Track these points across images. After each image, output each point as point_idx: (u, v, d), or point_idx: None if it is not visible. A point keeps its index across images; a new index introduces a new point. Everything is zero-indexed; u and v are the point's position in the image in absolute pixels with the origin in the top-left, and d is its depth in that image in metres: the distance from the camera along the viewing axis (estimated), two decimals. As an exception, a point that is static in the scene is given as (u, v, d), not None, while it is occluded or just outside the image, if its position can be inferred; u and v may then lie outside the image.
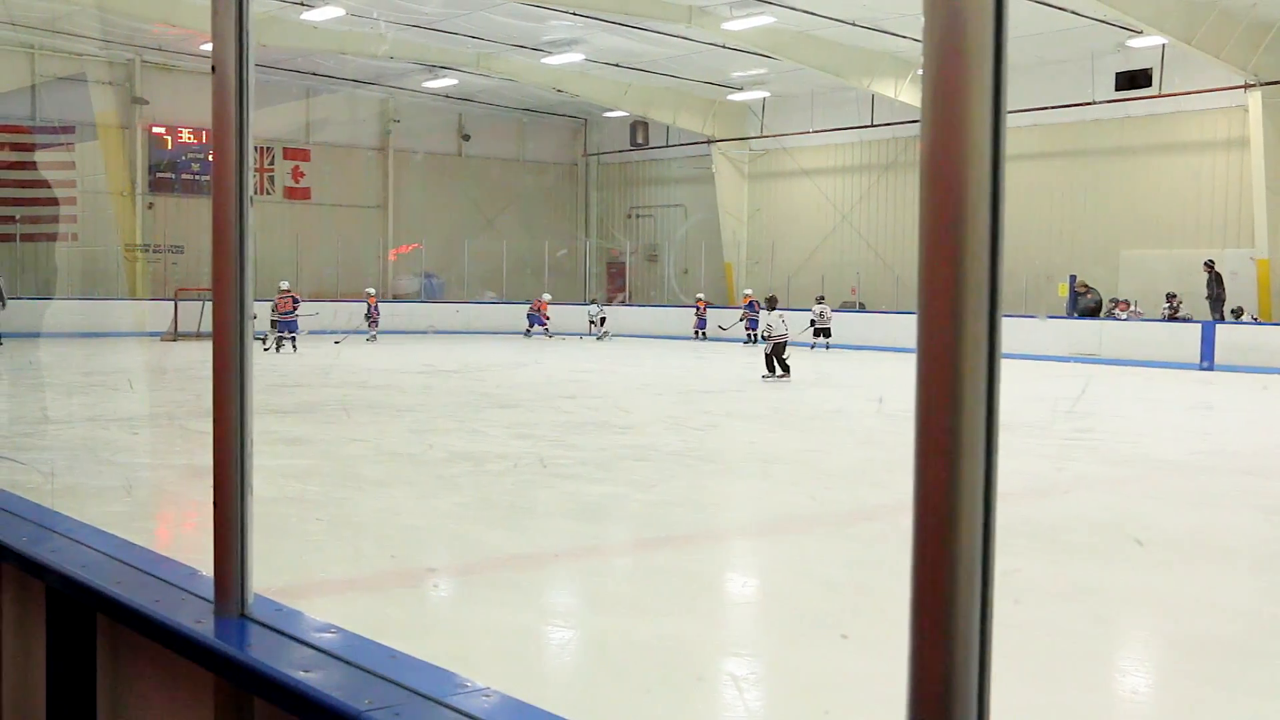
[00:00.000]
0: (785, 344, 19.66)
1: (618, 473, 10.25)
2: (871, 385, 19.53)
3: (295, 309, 26.47)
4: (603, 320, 33.31)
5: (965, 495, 1.25)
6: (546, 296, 34.01)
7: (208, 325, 2.74)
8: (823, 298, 29.68)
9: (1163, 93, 27.50)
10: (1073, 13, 24.28)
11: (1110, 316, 27.55)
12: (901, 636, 1.27)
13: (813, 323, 27.43)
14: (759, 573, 7.35)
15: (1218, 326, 25.05)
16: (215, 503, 2.47)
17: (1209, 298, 26.41)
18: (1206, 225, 27.72)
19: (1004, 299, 1.27)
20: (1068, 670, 5.11)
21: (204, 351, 2.67)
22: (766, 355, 19.81)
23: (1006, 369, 1.28)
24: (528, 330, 32.98)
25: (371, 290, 31.59)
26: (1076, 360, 25.30)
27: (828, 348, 27.35)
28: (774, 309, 20.30)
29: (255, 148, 2.46)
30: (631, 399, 17.24)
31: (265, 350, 25.32)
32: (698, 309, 33.32)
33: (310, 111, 37.06)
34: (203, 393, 2.62)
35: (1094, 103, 28.71)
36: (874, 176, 34.47)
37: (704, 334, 32.94)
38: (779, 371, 19.55)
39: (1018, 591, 5.97)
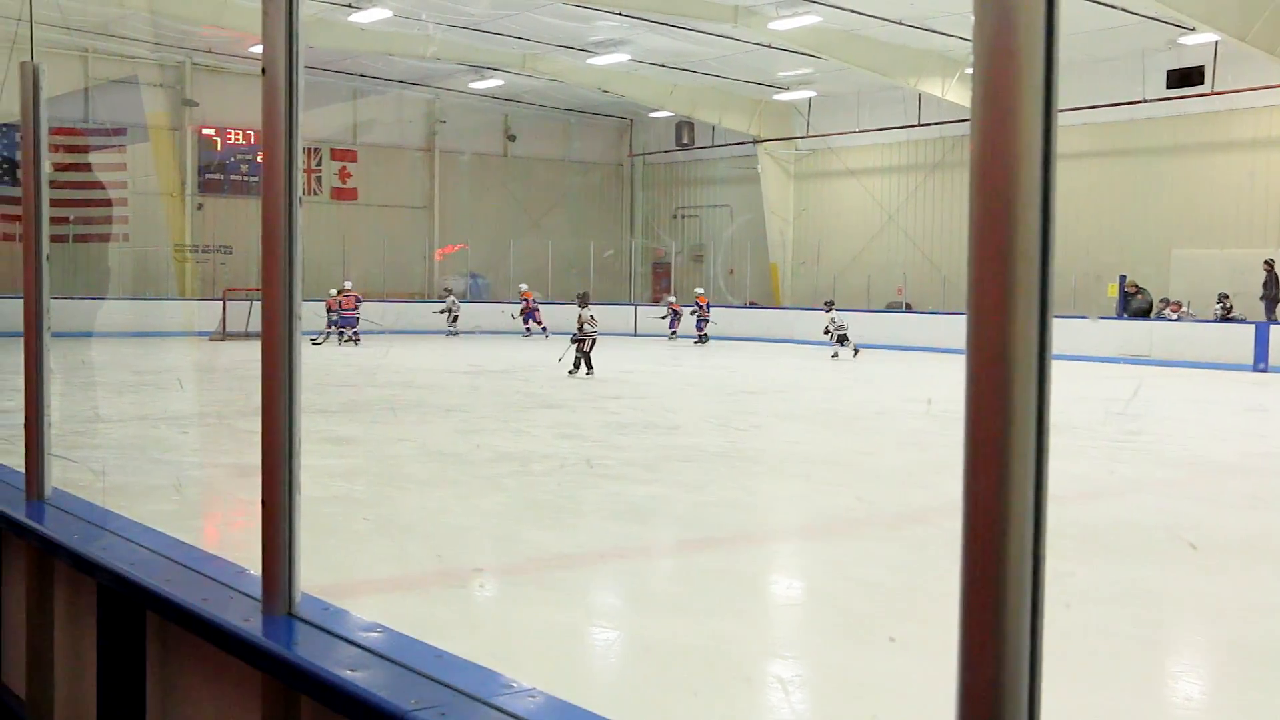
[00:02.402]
0: (594, 341, 19.39)
1: (663, 473, 10.24)
2: (918, 386, 19.41)
3: (357, 307, 29.12)
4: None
5: (1015, 497, 1.24)
6: (524, 286, 33.96)
7: (256, 325, 2.76)
8: (831, 303, 28.53)
9: (1215, 90, 27.16)
10: (1124, 10, 24.03)
11: (1161, 317, 27.24)
12: (950, 640, 1.26)
13: (827, 330, 26.66)
14: (805, 574, 7.32)
15: (1272, 327, 24.71)
16: (263, 502, 2.49)
17: (1264, 298, 26.04)
18: (1260, 224, 27.35)
19: (1054, 299, 1.26)
20: (1120, 675, 5.05)
21: (252, 351, 2.69)
22: (576, 353, 19.51)
23: (1056, 370, 1.27)
24: (526, 330, 32.57)
25: (349, 284, 30.61)
26: (1127, 362, 25.04)
27: (856, 352, 26.10)
28: (586, 305, 19.97)
29: (303, 149, 2.48)
30: (677, 399, 17.22)
31: (315, 345, 26.39)
32: (699, 305, 32.55)
33: (357, 113, 37.31)
34: (251, 392, 2.64)
35: (1145, 101, 28.41)
36: (921, 176, 34.27)
37: (704, 336, 32.54)
38: (584, 369, 19.31)
39: (1069, 595, 5.91)
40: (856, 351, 26.06)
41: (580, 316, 19.70)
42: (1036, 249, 1.23)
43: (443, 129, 38.89)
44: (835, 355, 26.20)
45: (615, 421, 13.97)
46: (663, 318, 32.45)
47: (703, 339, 31.56)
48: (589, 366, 19.27)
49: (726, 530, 8.22)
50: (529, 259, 38.17)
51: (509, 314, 32.71)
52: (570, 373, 19.29)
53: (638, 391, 18.16)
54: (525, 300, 33.11)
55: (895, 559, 7.32)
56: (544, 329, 32.25)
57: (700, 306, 32.14)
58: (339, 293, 29.40)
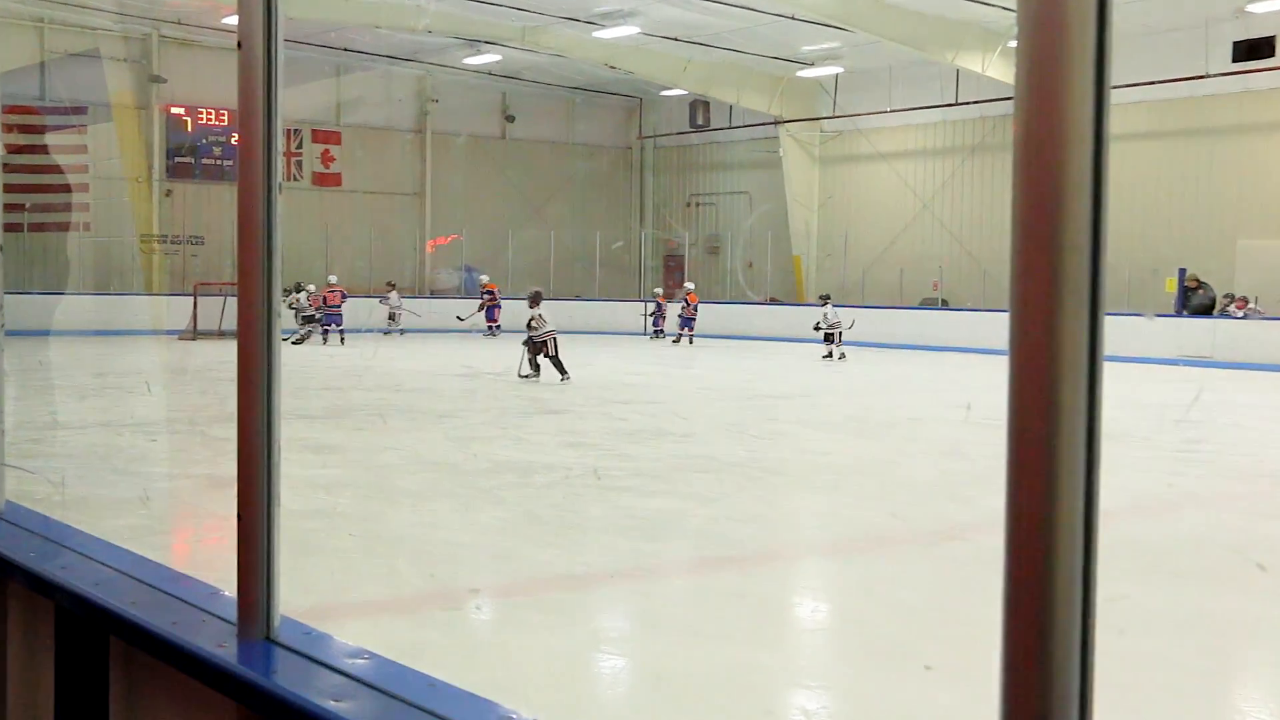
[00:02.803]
0: (545, 342, 19.32)
1: (677, 485, 10.24)
2: (955, 390, 19.40)
3: (343, 303, 29.46)
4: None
5: (1063, 513, 1.24)
6: (484, 278, 33.95)
7: (230, 323, 2.76)
8: (827, 297, 28.54)
9: (1286, 64, 27.11)
10: (1184, -24, 24.04)
11: (1225, 314, 27.18)
12: (991, 668, 1.26)
13: (818, 326, 26.57)
14: (832, 596, 7.32)
15: (1349, 325, 24.67)
16: (239, 516, 2.50)
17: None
18: (1336, 212, 27.32)
19: (1105, 295, 1.26)
20: (1178, 708, 5.04)
21: (226, 351, 2.70)
22: (528, 355, 19.49)
23: (1108, 373, 1.27)
24: (489, 327, 32.46)
25: (333, 279, 30.61)
26: (1187, 363, 24.98)
27: (843, 356, 26.06)
28: (537, 305, 19.86)
29: (283, 130, 2.49)
30: (690, 404, 17.23)
31: (294, 344, 26.51)
32: (686, 303, 32.42)
33: (341, 91, 37.39)
34: (225, 396, 2.65)
35: (1209, 76, 28.34)
36: (959, 160, 34.24)
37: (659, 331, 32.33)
38: (529, 371, 19.23)
39: (1123, 621, 5.90)
40: (843, 355, 25.89)
41: (534, 317, 19.56)
42: (1087, 240, 1.23)
43: (435, 109, 38.96)
44: (828, 355, 26.03)
45: (624, 429, 13.98)
46: (648, 314, 32.42)
47: (679, 340, 31.42)
48: (561, 370, 19.02)
49: (746, 548, 8.22)
50: (529, 251, 38.20)
51: (457, 316, 32.27)
52: (522, 376, 19.09)
53: (648, 396, 18.17)
54: (491, 293, 33.05)
55: (931, 579, 7.31)
56: (495, 327, 32.15)
57: (688, 304, 31.99)
58: (325, 288, 29.63)
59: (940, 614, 6.49)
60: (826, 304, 27.24)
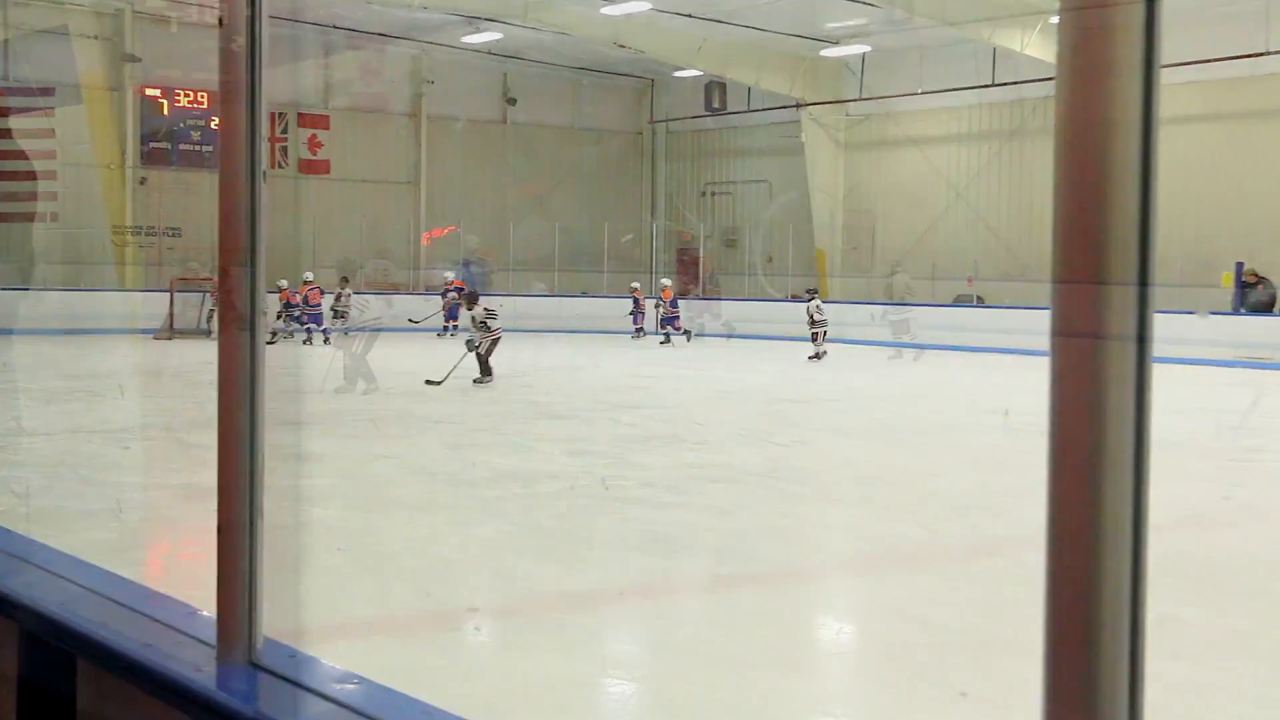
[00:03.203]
0: (493, 342, 19.28)
1: (691, 496, 10.24)
2: (992, 394, 19.36)
3: (321, 301, 29.54)
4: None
5: (1109, 527, 1.23)
6: (450, 274, 33.84)
7: (210, 320, 2.76)
8: (814, 291, 28.43)
9: (1354, 40, 27.06)
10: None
11: (1286, 312, 27.13)
12: (1032, 695, 1.26)
13: (813, 321, 26.41)
14: (860, 617, 7.31)
15: None
16: (219, 529, 2.50)
17: None
18: None
19: (1154, 292, 1.26)
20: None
21: (205, 351, 2.70)
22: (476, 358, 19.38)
23: (1157, 375, 1.27)
24: (447, 325, 32.13)
25: (310, 276, 30.48)
26: (1244, 365, 24.91)
27: (820, 355, 25.95)
28: (474, 306, 19.78)
29: (267, 113, 2.49)
30: (706, 409, 17.23)
31: (269, 344, 26.37)
32: (661, 300, 32.27)
33: (330, 71, 37.41)
34: (204, 400, 2.65)
35: (1269, 53, 28.25)
36: (995, 146, 34.17)
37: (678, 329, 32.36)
38: (484, 375, 19.18)
39: (1175, 645, 5.89)
40: (820, 355, 25.72)
41: (477, 317, 19.54)
42: (1134, 231, 1.23)
43: (431, 91, 38.96)
44: (817, 356, 25.78)
45: (634, 435, 13.98)
46: (630, 313, 32.37)
47: (668, 339, 31.36)
48: (485, 371, 18.98)
49: (766, 564, 8.21)
50: (532, 244, 38.18)
51: (409, 319, 31.96)
52: (476, 381, 19.01)
53: (659, 400, 18.17)
54: (458, 289, 32.95)
55: (967, 599, 7.30)
56: (455, 327, 32.02)
57: (664, 302, 31.88)
58: (304, 285, 29.45)
59: (977, 636, 6.48)
60: (813, 299, 27.07)
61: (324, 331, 29.17)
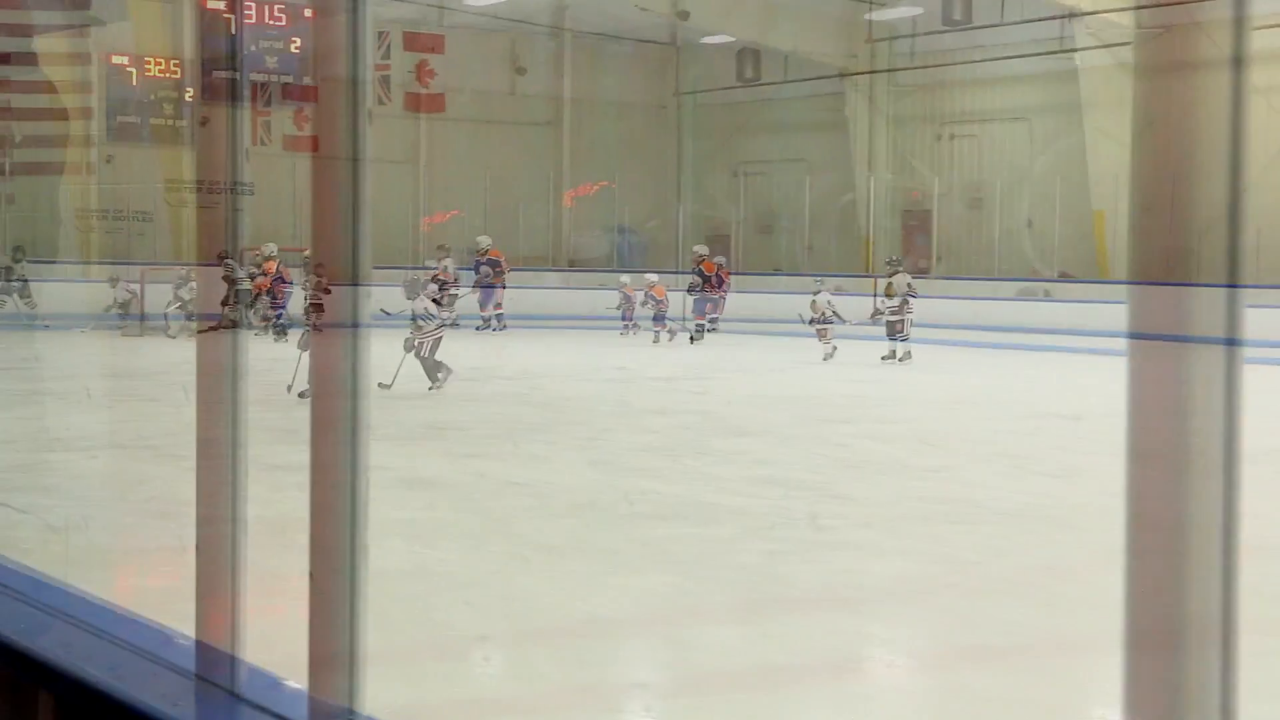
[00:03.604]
0: (435, 343, 18.79)
1: (919, 540, 9.51)
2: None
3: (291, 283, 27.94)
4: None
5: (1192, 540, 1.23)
6: (446, 263, 33.66)
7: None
8: (822, 281, 28.24)
9: None
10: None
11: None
12: None
13: (813, 320, 26.03)
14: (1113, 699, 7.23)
15: None
16: (198, 546, 2.51)
17: None
18: None
19: (1246, 277, 1.25)
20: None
21: (179, 349, 2.71)
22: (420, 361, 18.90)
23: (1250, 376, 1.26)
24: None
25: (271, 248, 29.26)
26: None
27: (829, 354, 25.25)
28: (417, 293, 19.28)
29: (251, 84, 2.50)
30: (939, 424, 16.70)
31: (211, 329, 25.78)
32: (653, 298, 32.15)
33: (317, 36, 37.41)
34: (179, 403, 2.66)
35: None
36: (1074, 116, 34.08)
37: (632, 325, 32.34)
38: (441, 375, 18.75)
39: (1273, 682, 5.82)
40: (830, 354, 25.23)
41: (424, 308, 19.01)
42: (1223, 211, 1.23)
43: (432, 59, 38.97)
44: (826, 357, 25.23)
45: (842, 457, 13.95)
46: (615, 307, 32.33)
47: (658, 339, 31.32)
48: (434, 374, 18.46)
49: (1013, 635, 7.26)
50: (544, 230, 38.18)
51: (383, 309, 31.38)
52: (430, 387, 18.51)
53: (874, 412, 18.09)
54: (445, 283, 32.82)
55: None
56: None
57: (655, 300, 31.79)
58: (267, 260, 27.73)
59: None
60: (820, 290, 26.58)
61: (279, 322, 27.27)
